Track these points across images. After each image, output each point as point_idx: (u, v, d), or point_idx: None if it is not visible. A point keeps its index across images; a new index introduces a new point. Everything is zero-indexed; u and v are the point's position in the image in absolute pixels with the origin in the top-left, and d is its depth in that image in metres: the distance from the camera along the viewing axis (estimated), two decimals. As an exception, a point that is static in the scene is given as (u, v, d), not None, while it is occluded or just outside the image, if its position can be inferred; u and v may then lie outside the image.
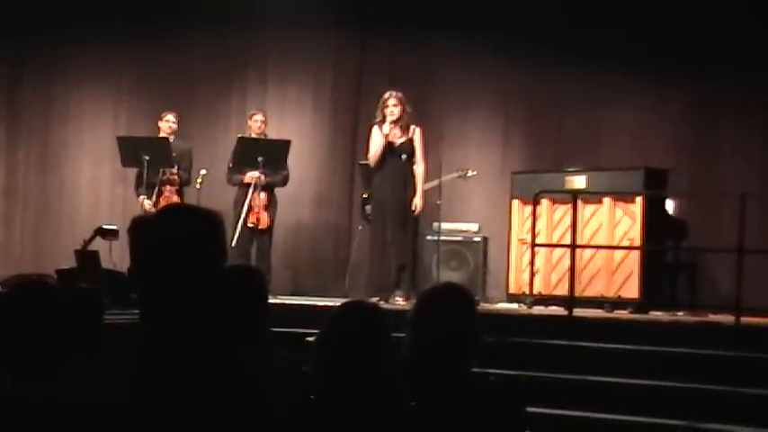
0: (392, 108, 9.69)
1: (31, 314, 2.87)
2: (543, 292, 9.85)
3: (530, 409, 3.43)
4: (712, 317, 8.77)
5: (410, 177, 9.77)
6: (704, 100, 11.07)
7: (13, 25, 12.72)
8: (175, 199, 10.69)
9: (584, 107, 11.53)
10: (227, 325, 2.56)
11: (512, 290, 10.25)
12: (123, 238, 8.29)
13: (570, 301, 8.61)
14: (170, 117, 11.04)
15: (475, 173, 11.13)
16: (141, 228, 2.45)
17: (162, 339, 2.33)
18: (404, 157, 9.74)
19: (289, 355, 3.68)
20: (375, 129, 9.80)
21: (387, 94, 9.80)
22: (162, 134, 10.99)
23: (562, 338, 7.90)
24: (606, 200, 9.71)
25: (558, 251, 9.85)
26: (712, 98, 11.02)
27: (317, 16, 12.26)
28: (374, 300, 8.48)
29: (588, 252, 9.72)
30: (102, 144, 12.40)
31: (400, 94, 9.78)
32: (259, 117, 10.99)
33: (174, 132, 11.02)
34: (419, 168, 9.81)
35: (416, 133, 9.78)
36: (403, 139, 9.74)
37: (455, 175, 10.95)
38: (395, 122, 9.70)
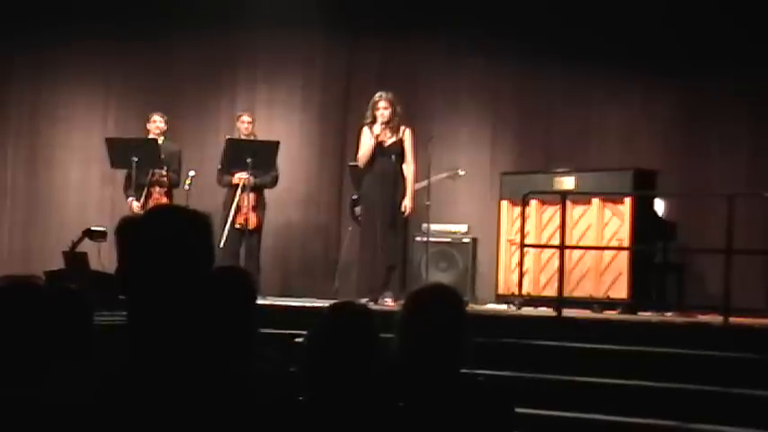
0: (382, 110, 9.69)
1: (19, 315, 2.86)
2: (532, 293, 9.87)
3: (518, 410, 3.43)
4: (701, 317, 8.78)
5: (400, 178, 9.76)
6: (692, 101, 11.09)
7: (1, 26, 12.68)
8: (164, 201, 10.68)
9: (572, 108, 11.55)
10: (215, 326, 2.55)
11: (501, 291, 10.26)
12: (112, 239, 8.26)
13: (559, 301, 8.62)
14: (157, 118, 11.01)
15: (464, 173, 11.16)
16: (129, 228, 2.45)
17: (149, 341, 2.33)
18: (393, 157, 9.73)
19: (277, 357, 3.68)
20: (365, 129, 9.80)
21: (377, 96, 9.79)
22: (151, 136, 10.96)
23: (551, 339, 7.90)
24: (595, 200, 9.73)
25: (547, 252, 9.86)
26: (700, 99, 11.05)
27: (305, 17, 12.27)
28: (363, 301, 8.48)
29: (577, 253, 9.73)
30: (91, 145, 12.37)
31: (391, 95, 9.77)
32: (246, 118, 11.00)
33: (162, 133, 11.00)
34: (409, 169, 9.80)
35: (407, 134, 9.77)
36: (393, 140, 9.74)
37: (444, 175, 10.97)
38: (385, 124, 9.69)
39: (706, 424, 6.59)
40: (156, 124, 10.99)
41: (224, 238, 10.23)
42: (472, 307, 9.40)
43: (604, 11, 11.18)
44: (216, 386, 2.31)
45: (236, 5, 12.42)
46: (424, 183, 10.23)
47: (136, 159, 10.52)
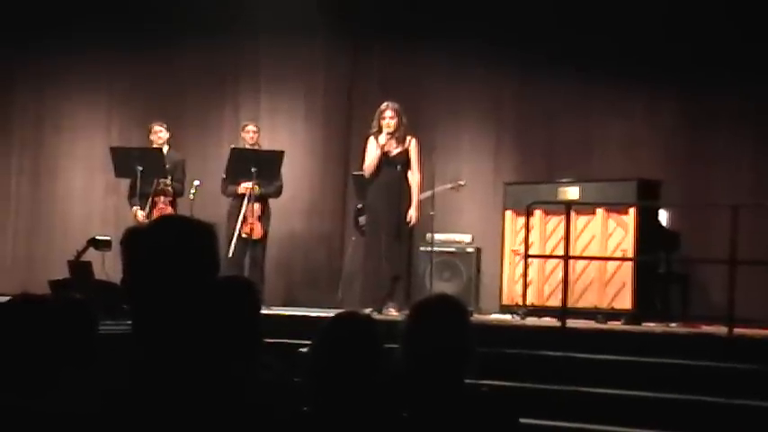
0: (389, 120, 9.70)
1: (25, 326, 2.86)
2: (536, 304, 9.84)
3: (522, 421, 3.43)
4: (705, 328, 8.77)
5: (405, 188, 9.76)
6: (695, 110, 11.09)
7: (5, 35, 12.71)
8: (169, 210, 10.68)
9: (575, 118, 11.55)
10: (219, 336, 2.55)
11: (505, 301, 10.24)
12: (116, 248, 8.27)
13: (563, 312, 8.61)
14: (158, 128, 11.01)
15: (464, 182, 11.16)
16: (134, 238, 2.45)
17: (154, 350, 2.33)
18: (399, 167, 9.74)
19: (281, 366, 3.68)
20: (371, 139, 9.80)
21: (384, 105, 9.80)
22: (154, 146, 10.97)
23: (555, 350, 7.90)
24: (599, 211, 9.72)
25: (551, 262, 9.85)
26: (703, 109, 11.04)
27: (308, 26, 12.28)
28: (367, 310, 8.47)
29: (581, 263, 9.72)
30: (95, 154, 12.41)
31: (397, 106, 9.78)
32: (251, 128, 11.00)
33: (166, 141, 11.02)
34: (415, 179, 9.80)
35: (413, 144, 9.78)
36: (399, 150, 9.74)
37: (447, 186, 10.96)
38: (391, 134, 9.70)
39: (710, 435, 6.59)
40: (159, 134, 10.99)
41: (231, 248, 10.23)
42: (476, 317, 9.40)
43: (607, 20, 11.18)
44: (220, 396, 2.31)
45: (239, 14, 12.44)
46: (428, 193, 10.23)
47: (140, 168, 10.54)
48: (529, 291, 9.58)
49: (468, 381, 3.36)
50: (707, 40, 10.81)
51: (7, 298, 3.05)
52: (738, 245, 8.19)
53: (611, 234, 9.69)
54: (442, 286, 10.54)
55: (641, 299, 9.53)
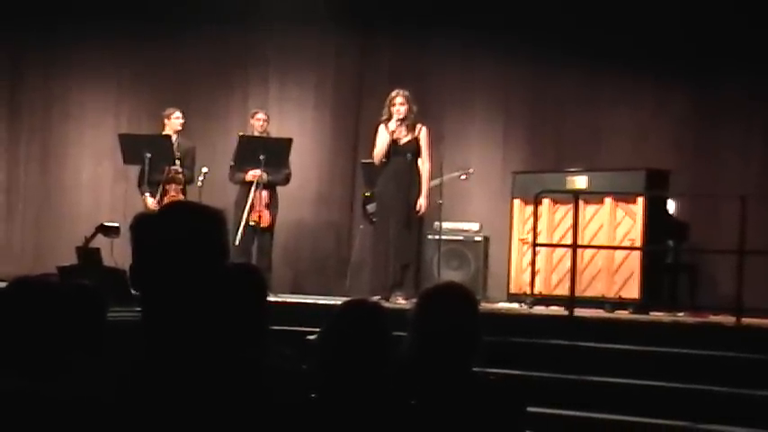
0: (399, 107, 9.67)
1: (33, 311, 2.87)
2: (544, 292, 9.85)
3: (530, 409, 3.44)
4: (713, 317, 8.77)
5: (415, 176, 9.73)
6: (704, 101, 11.07)
7: (14, 23, 12.72)
8: (180, 197, 10.67)
9: (584, 107, 11.54)
10: (227, 323, 2.56)
11: (512, 290, 10.25)
12: (125, 235, 8.29)
13: (571, 301, 8.61)
14: (178, 114, 11.01)
15: (472, 171, 11.16)
16: (143, 225, 2.46)
17: (163, 337, 2.34)
18: (409, 155, 9.72)
19: (289, 354, 3.68)
20: (381, 127, 9.77)
21: (394, 93, 9.77)
22: (169, 131, 10.96)
23: (563, 338, 7.90)
24: (607, 200, 9.71)
25: (559, 251, 9.85)
26: (712, 99, 11.03)
27: (317, 15, 12.28)
28: (375, 298, 8.47)
29: (589, 252, 9.72)
30: (103, 141, 12.42)
31: (407, 93, 9.75)
32: (261, 116, 10.99)
33: (181, 129, 11.02)
34: (425, 167, 9.78)
35: (423, 132, 9.75)
36: (409, 138, 9.72)
37: (455, 174, 10.96)
38: (401, 121, 9.68)
39: (717, 424, 6.59)
40: (180, 120, 10.98)
41: (238, 235, 10.23)
42: (484, 306, 9.39)
43: (616, 11, 11.16)
44: (229, 382, 2.31)
45: (249, 3, 12.43)
46: (437, 181, 10.23)
47: (149, 155, 10.54)
48: (537, 280, 9.57)
49: (475, 369, 3.36)
50: (716, 31, 10.79)
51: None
52: (746, 235, 8.18)
53: (619, 223, 9.69)
54: (450, 275, 10.54)
55: (649, 288, 9.53)
